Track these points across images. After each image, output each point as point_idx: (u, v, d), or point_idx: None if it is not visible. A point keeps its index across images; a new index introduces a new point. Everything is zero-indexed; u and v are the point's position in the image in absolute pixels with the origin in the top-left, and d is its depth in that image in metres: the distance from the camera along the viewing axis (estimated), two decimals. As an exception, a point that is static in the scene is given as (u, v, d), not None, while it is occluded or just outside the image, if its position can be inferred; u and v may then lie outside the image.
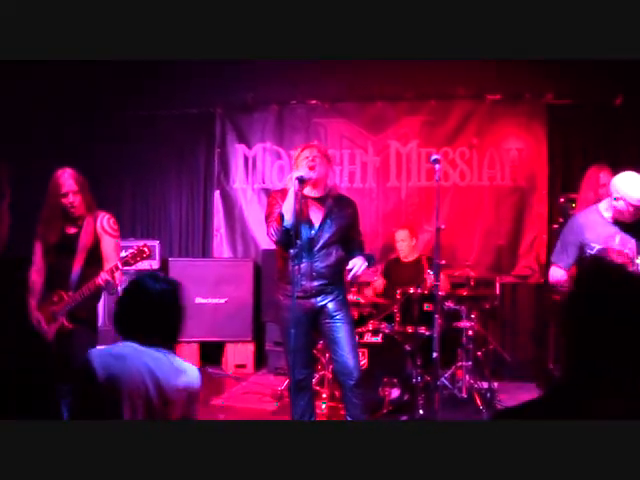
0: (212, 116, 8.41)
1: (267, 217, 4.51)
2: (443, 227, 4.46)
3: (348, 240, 4.61)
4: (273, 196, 4.59)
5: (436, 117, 7.97)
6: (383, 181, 8.06)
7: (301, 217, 4.35)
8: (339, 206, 4.60)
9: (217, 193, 8.39)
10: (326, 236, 4.49)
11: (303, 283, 4.40)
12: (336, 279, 4.54)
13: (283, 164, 8.21)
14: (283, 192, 4.49)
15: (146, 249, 4.49)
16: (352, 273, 4.38)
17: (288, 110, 8.27)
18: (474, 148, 7.89)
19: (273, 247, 4.76)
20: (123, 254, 4.56)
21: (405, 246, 6.99)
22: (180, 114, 8.34)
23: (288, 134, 8.24)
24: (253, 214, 8.26)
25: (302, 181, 4.33)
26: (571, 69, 7.25)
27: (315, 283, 4.46)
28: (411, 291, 6.07)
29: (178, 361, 2.82)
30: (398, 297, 6.13)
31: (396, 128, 8.09)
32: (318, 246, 4.45)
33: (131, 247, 4.53)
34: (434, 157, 4.47)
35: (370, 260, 4.56)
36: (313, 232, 4.48)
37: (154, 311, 2.77)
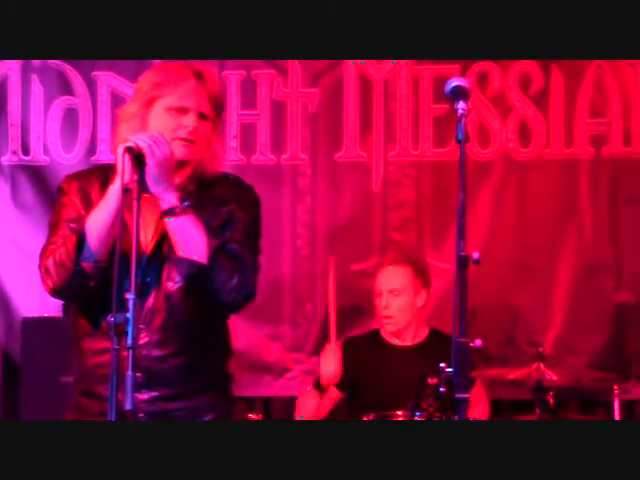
0: None
1: (49, 237, 2.87)
2: (477, 257, 2.46)
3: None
4: (66, 189, 2.95)
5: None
6: (328, 146, 4.69)
7: (139, 243, 2.65)
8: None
9: None
10: None
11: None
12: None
13: (75, 104, 4.78)
14: (89, 178, 2.91)
15: None
16: None
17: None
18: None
19: (52, 312, 4.20)
20: None
21: (400, 306, 4.29)
22: None
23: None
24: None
25: (139, 158, 2.58)
26: None
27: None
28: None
29: None
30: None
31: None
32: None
33: None
34: (454, 84, 2.48)
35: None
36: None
37: None
